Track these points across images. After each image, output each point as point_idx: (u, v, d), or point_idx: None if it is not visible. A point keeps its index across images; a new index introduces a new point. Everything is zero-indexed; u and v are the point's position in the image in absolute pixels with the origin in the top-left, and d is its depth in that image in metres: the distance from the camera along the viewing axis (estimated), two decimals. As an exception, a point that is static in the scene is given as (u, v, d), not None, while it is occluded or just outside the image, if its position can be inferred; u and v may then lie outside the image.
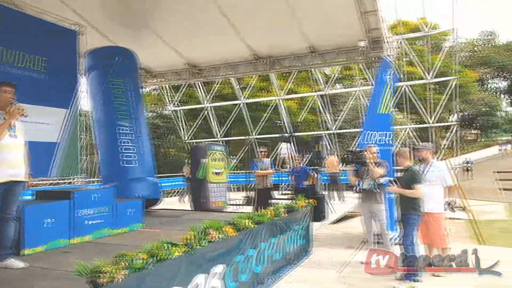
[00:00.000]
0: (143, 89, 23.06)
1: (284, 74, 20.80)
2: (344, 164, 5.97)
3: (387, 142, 7.12)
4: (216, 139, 20.59)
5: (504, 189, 20.46)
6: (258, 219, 4.50)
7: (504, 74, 44.84)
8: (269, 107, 20.66)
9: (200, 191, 8.41)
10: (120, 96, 7.95)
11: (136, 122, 8.00)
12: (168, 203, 13.41)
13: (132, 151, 7.75)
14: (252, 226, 4.29)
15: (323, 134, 18.78)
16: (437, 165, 5.12)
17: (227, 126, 21.41)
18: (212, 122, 21.06)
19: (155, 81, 10.17)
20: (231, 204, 11.35)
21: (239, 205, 11.21)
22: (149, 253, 2.72)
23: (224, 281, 3.70)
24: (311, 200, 6.38)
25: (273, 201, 8.04)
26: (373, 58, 7.23)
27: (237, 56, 8.36)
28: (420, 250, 5.12)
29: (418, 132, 19.26)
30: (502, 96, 47.83)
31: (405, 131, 18.45)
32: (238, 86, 21.11)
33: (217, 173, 8.69)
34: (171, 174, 16.33)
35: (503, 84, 47.60)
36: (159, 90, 21.86)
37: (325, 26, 6.70)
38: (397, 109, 22.82)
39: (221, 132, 21.27)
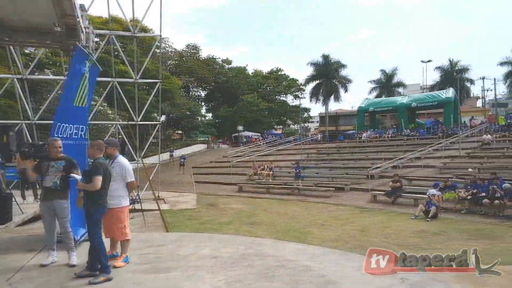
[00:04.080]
0: None
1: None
2: (25, 158, 5.23)
3: (81, 136, 6.89)
4: None
5: (196, 182, 24.23)
6: None
7: (204, 85, 53.14)
8: None
9: None
10: None
11: None
12: None
13: None
14: None
15: (20, 124, 16.24)
16: (121, 162, 5.25)
17: None
18: None
19: None
20: None
21: None
22: None
23: None
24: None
25: None
26: (71, 47, 6.79)
27: None
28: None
29: (127, 128, 19.80)
30: (202, 103, 56.70)
31: (114, 127, 18.55)
32: None
33: None
34: None
35: (203, 93, 56.48)
36: None
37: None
38: (106, 105, 22.75)
39: None
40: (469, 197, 12.08)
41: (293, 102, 57.97)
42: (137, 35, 15.43)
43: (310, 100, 48.28)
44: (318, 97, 46.75)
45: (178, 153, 35.57)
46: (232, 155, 31.75)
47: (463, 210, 12.13)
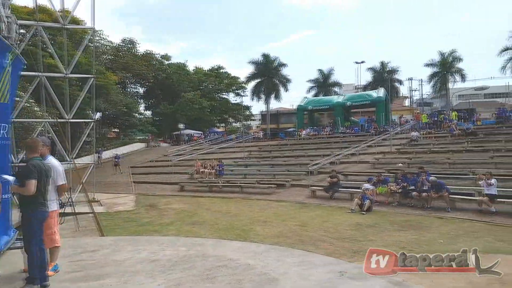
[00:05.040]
0: None
1: None
2: None
3: (3, 135, 6.29)
4: None
5: (135, 182, 23.31)
6: None
7: (142, 81, 51.24)
8: None
9: None
10: None
11: None
12: None
13: None
14: None
15: None
16: (51, 162, 4.82)
17: None
18: None
19: None
20: None
21: None
22: None
23: None
24: None
25: None
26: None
27: None
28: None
29: (57, 127, 18.47)
30: (141, 100, 54.67)
31: (42, 125, 17.20)
32: None
33: None
34: None
35: (141, 90, 54.47)
36: None
37: None
38: (33, 101, 21.06)
39: None
40: (399, 190, 12.92)
41: (235, 100, 58.13)
42: (67, 26, 14.42)
43: (252, 98, 48.63)
44: (260, 95, 47.26)
45: (111, 153, 33.84)
46: (173, 153, 31.02)
47: (395, 203, 12.93)
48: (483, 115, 30.64)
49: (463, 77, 41.02)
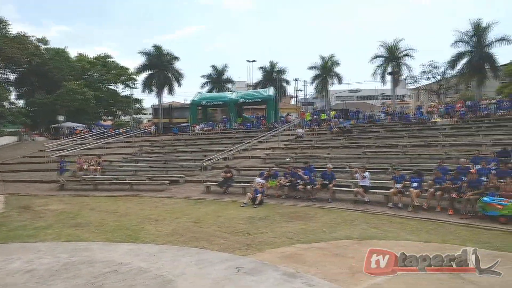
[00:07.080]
0: None
1: None
2: None
3: None
4: None
5: (4, 181, 20.37)
6: None
7: (13, 66, 44.75)
8: None
9: None
10: None
11: None
12: None
13: None
14: None
15: None
16: None
17: None
18: None
19: None
20: None
21: None
22: None
23: None
24: None
25: None
26: None
27: None
28: None
29: None
30: (11, 88, 47.73)
31: None
32: None
33: None
34: None
35: (12, 76, 47.55)
36: None
37: None
38: None
39: None
40: (287, 183, 13.74)
41: (124, 91, 54.75)
42: None
43: (143, 91, 46.25)
44: (151, 88, 45.30)
45: None
46: (50, 149, 27.86)
47: (283, 196, 13.72)
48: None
49: (340, 80, 45.46)
